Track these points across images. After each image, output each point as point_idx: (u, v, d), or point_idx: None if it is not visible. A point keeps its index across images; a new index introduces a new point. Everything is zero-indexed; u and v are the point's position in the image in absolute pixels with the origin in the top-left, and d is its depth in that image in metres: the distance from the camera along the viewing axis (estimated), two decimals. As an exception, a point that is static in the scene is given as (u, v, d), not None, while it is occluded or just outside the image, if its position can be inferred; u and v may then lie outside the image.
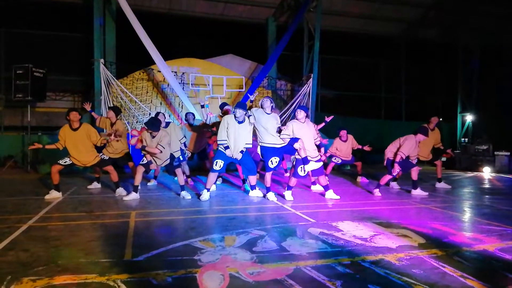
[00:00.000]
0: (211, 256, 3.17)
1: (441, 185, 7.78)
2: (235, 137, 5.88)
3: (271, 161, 6.04)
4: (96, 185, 7.13)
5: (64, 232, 3.96)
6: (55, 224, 4.32)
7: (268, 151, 6.08)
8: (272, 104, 6.15)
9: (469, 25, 14.06)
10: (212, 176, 5.99)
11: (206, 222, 4.56)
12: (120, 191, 6.50)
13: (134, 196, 5.96)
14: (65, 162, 6.11)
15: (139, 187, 6.15)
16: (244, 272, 2.82)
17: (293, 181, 6.15)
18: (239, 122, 5.89)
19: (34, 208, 5.21)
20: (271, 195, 5.99)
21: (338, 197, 6.08)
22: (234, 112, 5.92)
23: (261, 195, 6.29)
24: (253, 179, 6.31)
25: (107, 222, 4.50)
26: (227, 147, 5.89)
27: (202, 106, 8.01)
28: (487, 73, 15.09)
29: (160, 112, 7.24)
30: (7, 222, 4.33)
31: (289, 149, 6.05)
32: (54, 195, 6.07)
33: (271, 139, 6.05)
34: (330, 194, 6.16)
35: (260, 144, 6.19)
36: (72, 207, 5.32)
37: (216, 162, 5.92)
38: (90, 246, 3.45)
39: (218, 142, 5.95)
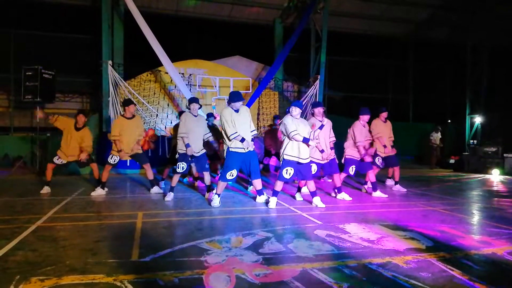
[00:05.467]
0: (218, 257, 3.18)
1: (396, 187, 7.67)
2: (240, 127, 5.52)
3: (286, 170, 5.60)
4: (47, 189, 6.70)
5: (72, 233, 3.99)
6: (63, 224, 4.36)
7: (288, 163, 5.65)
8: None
9: (478, 25, 13.93)
10: (223, 184, 5.70)
11: (213, 223, 4.57)
12: (156, 189, 6.69)
13: (172, 196, 6.12)
14: (114, 161, 6.56)
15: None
16: (251, 273, 2.82)
17: (278, 185, 5.64)
18: (236, 111, 5.56)
19: (43, 208, 5.26)
20: (270, 200, 5.68)
21: (324, 205, 5.61)
22: (231, 106, 5.57)
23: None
24: (258, 183, 5.87)
25: (115, 222, 4.52)
26: (243, 139, 5.40)
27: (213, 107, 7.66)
28: (496, 73, 14.92)
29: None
30: (16, 222, 4.38)
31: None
32: (100, 192, 6.46)
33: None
34: (316, 201, 5.69)
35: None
36: (80, 208, 5.36)
37: (230, 172, 5.53)
38: (98, 247, 3.48)
39: (232, 137, 5.41)
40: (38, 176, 9.10)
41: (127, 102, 6.71)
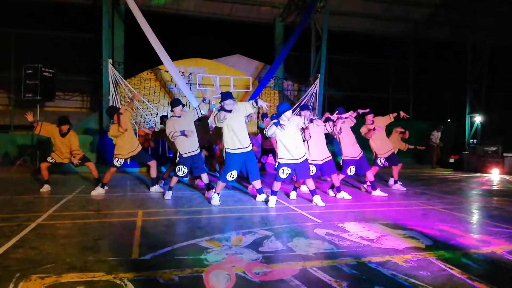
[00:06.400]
0: (218, 256, 3.18)
1: (396, 186, 7.67)
2: (233, 127, 5.55)
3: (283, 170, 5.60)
4: (47, 188, 6.76)
5: (72, 231, 4.00)
6: (63, 222, 4.37)
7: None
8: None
9: (478, 24, 13.93)
10: (223, 184, 5.72)
11: (213, 222, 4.57)
12: (156, 188, 6.71)
13: (170, 194, 6.13)
14: (119, 163, 6.53)
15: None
16: (250, 272, 2.83)
17: (276, 186, 5.65)
18: (230, 111, 5.55)
19: (43, 206, 5.27)
20: (270, 198, 5.68)
21: (323, 204, 5.62)
22: (222, 105, 5.58)
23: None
24: (257, 183, 5.92)
25: (115, 220, 4.53)
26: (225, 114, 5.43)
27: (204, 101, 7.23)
28: (496, 73, 14.91)
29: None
30: (17, 220, 4.39)
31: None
32: (100, 192, 6.42)
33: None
34: (316, 199, 5.69)
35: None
36: (80, 206, 5.37)
37: (231, 173, 5.58)
38: (98, 245, 3.48)
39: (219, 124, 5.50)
40: (38, 175, 9.10)
41: (111, 111, 6.56)
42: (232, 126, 5.54)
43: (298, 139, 5.61)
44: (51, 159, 6.69)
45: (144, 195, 6.46)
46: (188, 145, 6.03)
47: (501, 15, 13.59)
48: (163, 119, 8.12)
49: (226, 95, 5.62)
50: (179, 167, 6.05)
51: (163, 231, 4.05)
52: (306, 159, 5.71)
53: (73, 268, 2.85)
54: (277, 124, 5.41)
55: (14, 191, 6.61)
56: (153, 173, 6.74)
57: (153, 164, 6.69)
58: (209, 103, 6.41)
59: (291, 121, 5.54)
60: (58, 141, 6.64)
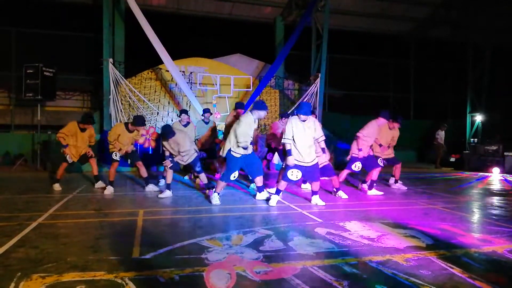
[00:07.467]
0: (218, 255, 3.18)
1: (397, 185, 7.66)
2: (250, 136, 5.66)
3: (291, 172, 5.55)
4: (59, 187, 6.79)
5: (73, 230, 4.00)
6: (64, 221, 4.37)
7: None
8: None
9: (479, 23, 13.90)
10: (224, 184, 5.72)
11: (213, 221, 4.57)
12: (151, 187, 6.73)
13: (168, 193, 6.13)
14: (118, 158, 6.67)
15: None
16: (251, 271, 2.83)
17: (282, 185, 5.65)
18: (254, 120, 5.67)
19: (44, 205, 5.27)
20: (272, 198, 5.66)
21: (323, 203, 5.59)
22: (253, 114, 5.61)
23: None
24: (259, 180, 5.87)
25: (116, 220, 4.54)
26: (246, 147, 5.54)
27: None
28: (497, 72, 14.89)
29: (186, 110, 7.58)
30: (18, 220, 4.39)
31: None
32: (111, 190, 6.46)
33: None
34: (316, 199, 5.67)
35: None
36: (81, 205, 5.38)
37: (234, 174, 5.59)
38: (99, 244, 3.49)
39: (242, 144, 5.46)
40: (39, 174, 9.11)
41: (139, 122, 6.56)
42: (250, 135, 5.63)
43: (312, 142, 5.57)
44: (70, 159, 6.73)
45: (145, 194, 6.46)
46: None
47: (502, 15, 13.55)
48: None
49: (261, 106, 5.65)
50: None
51: (164, 230, 4.05)
52: (317, 163, 5.67)
53: (74, 267, 2.85)
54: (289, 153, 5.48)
55: (15, 191, 6.61)
56: (143, 172, 6.79)
57: (139, 164, 6.75)
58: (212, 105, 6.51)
59: (310, 126, 5.51)
60: (78, 137, 6.71)
